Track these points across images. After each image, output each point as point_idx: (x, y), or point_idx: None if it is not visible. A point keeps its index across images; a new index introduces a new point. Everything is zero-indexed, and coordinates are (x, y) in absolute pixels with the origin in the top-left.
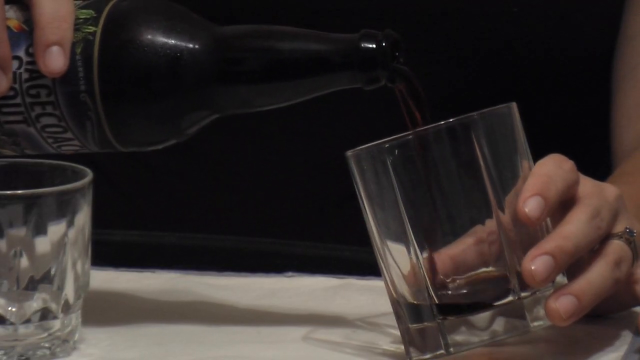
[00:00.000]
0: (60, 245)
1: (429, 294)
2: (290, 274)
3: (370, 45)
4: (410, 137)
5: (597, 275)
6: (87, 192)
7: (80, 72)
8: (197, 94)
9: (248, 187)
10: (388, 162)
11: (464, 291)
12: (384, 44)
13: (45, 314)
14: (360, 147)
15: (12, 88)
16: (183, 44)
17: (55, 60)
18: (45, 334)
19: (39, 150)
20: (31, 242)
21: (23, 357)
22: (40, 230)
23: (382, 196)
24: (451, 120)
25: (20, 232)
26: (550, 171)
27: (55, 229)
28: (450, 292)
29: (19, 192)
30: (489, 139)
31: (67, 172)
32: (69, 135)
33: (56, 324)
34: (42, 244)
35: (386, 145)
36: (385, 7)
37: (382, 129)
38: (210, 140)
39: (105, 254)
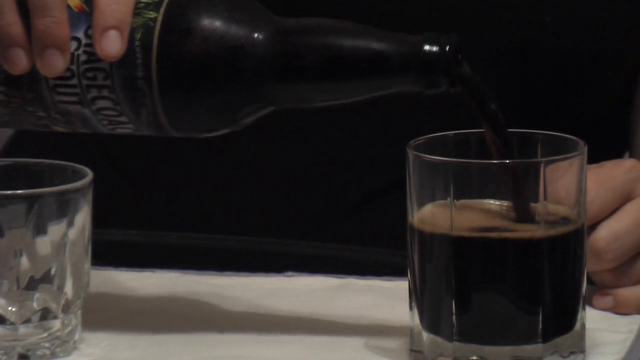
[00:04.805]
0: (60, 245)
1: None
2: (290, 273)
3: (434, 49)
4: (475, 166)
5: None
6: (87, 192)
7: (138, 58)
8: (254, 86)
9: (263, 187)
10: (450, 183)
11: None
12: (447, 48)
13: (45, 314)
14: (426, 155)
15: (68, 69)
16: (244, 35)
17: (112, 45)
18: (46, 334)
19: (92, 130)
20: (31, 242)
21: (23, 357)
22: (41, 230)
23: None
24: (519, 160)
25: (20, 232)
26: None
27: (56, 229)
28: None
29: (19, 192)
30: (552, 182)
31: (67, 172)
32: (123, 119)
33: (56, 324)
34: (42, 244)
35: (451, 165)
36: (415, 15)
37: (395, 133)
38: (228, 140)
39: (105, 254)
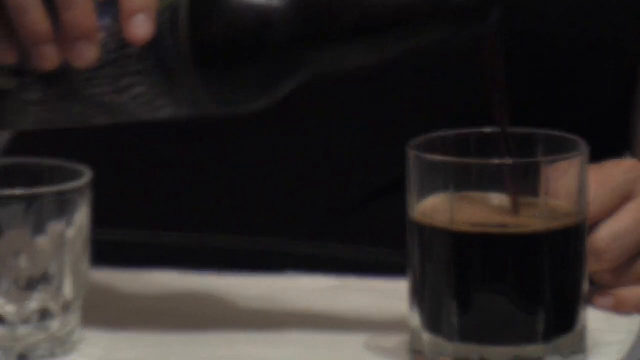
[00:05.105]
0: (59, 245)
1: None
2: (290, 273)
3: None
4: (475, 166)
5: None
6: (86, 192)
7: (168, 39)
8: (287, 54)
9: (263, 187)
10: (451, 182)
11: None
12: None
13: (44, 314)
14: (426, 155)
15: (100, 59)
16: (272, 4)
17: (141, 28)
18: (45, 334)
19: (132, 119)
20: (31, 242)
21: (22, 357)
22: (40, 230)
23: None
24: (520, 160)
25: (19, 232)
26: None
27: (55, 229)
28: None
29: (19, 192)
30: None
31: (67, 172)
32: (161, 102)
33: (55, 324)
34: (42, 244)
35: (451, 165)
36: None
37: (396, 133)
38: (229, 140)
39: (105, 254)
